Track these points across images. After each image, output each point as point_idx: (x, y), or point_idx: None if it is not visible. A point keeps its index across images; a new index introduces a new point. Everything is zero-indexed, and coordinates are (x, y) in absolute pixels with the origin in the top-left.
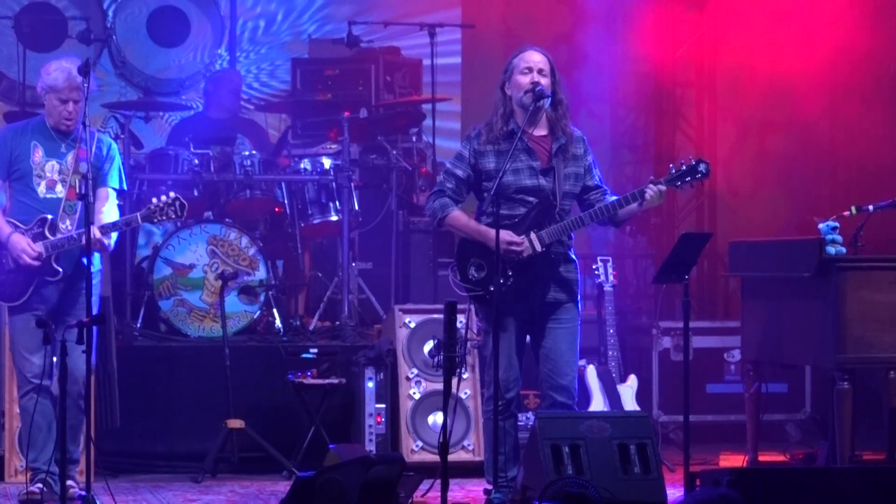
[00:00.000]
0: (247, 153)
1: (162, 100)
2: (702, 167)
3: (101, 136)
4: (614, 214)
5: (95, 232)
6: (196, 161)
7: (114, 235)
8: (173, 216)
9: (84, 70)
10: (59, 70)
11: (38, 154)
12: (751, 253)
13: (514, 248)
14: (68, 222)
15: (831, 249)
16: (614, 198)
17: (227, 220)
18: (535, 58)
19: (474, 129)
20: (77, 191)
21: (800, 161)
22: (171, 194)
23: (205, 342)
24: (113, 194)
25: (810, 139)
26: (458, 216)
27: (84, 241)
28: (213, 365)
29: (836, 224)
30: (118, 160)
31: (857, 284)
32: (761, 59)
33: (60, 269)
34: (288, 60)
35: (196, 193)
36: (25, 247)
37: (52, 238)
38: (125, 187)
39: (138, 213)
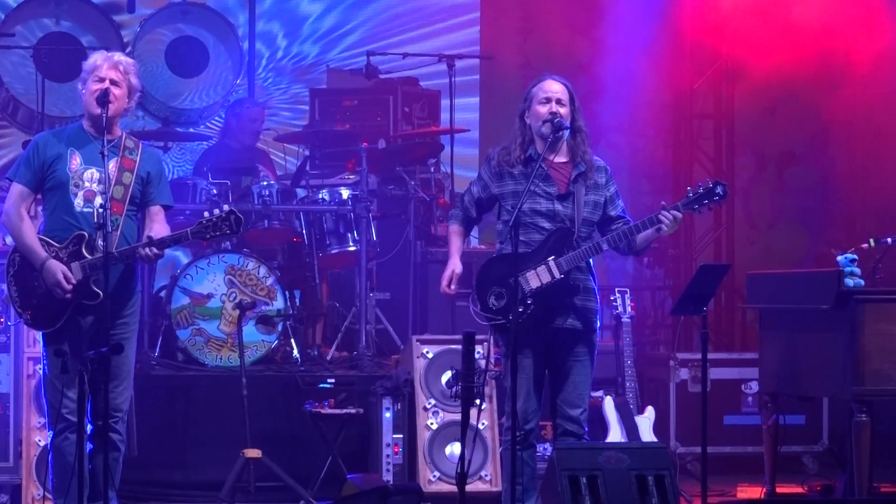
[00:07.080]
0: (265, 183)
1: (180, 130)
2: (719, 189)
3: (150, 149)
4: (632, 241)
5: (147, 251)
6: (214, 191)
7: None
8: (228, 232)
9: (102, 100)
10: (99, 53)
11: (76, 161)
12: (769, 285)
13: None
14: None
15: (849, 282)
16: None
17: (245, 249)
18: (555, 87)
19: (492, 151)
20: (122, 203)
21: (818, 193)
22: (226, 207)
23: (222, 372)
24: (163, 212)
25: (829, 171)
26: (452, 232)
27: (124, 259)
28: (231, 394)
29: (855, 256)
30: (166, 174)
31: (875, 317)
32: (781, 91)
33: (100, 292)
34: (306, 90)
35: None
36: (60, 279)
37: (89, 257)
38: (172, 203)
39: (188, 230)
